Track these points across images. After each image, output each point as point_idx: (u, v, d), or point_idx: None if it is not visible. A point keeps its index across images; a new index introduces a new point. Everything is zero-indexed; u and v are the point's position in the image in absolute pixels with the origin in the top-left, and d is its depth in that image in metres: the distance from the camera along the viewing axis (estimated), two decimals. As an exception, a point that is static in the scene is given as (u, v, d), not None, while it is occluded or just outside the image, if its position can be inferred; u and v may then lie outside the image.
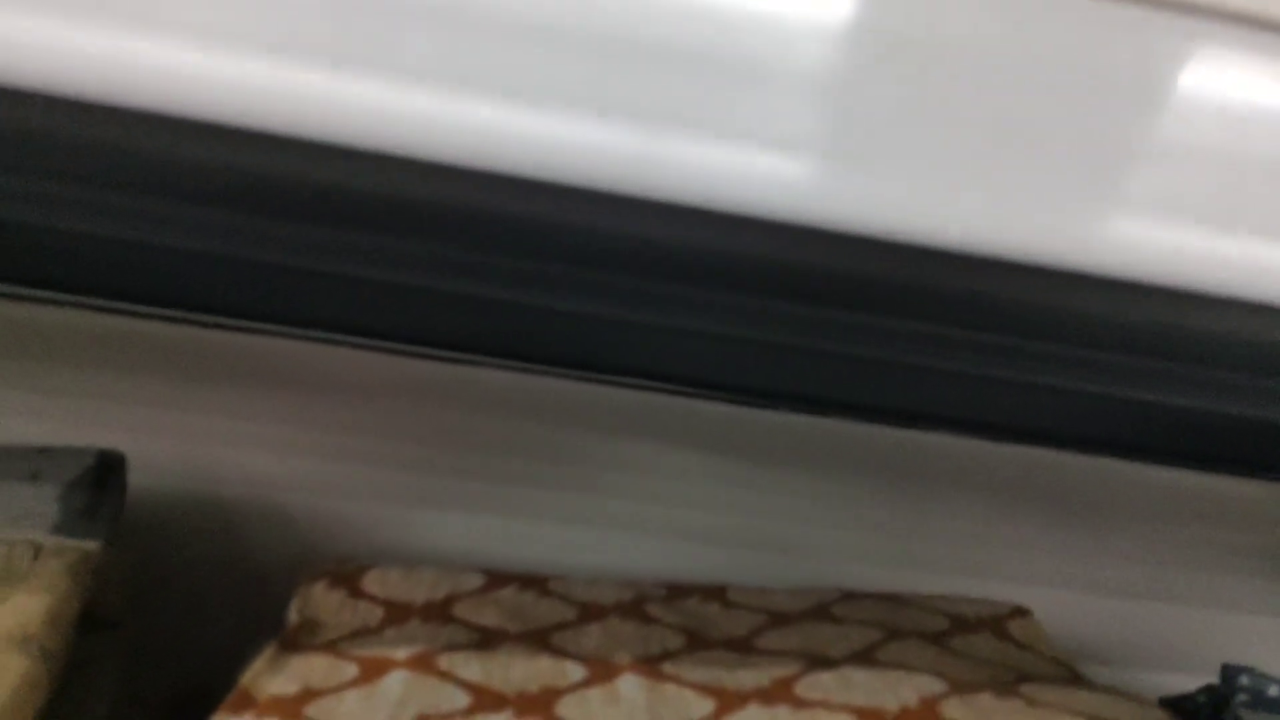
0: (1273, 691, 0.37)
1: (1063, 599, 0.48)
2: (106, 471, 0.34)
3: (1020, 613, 0.36)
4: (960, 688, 0.28)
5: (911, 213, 0.21)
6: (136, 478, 0.36)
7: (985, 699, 0.28)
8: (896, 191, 0.20)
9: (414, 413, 0.43)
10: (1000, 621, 0.36)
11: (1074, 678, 0.32)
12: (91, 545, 0.29)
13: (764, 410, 0.45)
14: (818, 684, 0.29)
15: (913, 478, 0.46)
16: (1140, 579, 0.48)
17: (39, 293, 0.41)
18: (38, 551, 0.28)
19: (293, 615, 0.32)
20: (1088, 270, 0.20)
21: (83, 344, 0.41)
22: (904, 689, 0.28)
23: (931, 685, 0.28)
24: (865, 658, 0.31)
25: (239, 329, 0.41)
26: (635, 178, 0.19)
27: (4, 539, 0.28)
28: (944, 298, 0.34)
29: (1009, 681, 0.30)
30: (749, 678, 0.29)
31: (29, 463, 0.33)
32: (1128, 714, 0.28)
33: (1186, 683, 0.39)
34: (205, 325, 0.41)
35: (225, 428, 0.42)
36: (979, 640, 0.34)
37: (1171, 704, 0.38)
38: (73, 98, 0.22)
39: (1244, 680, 0.37)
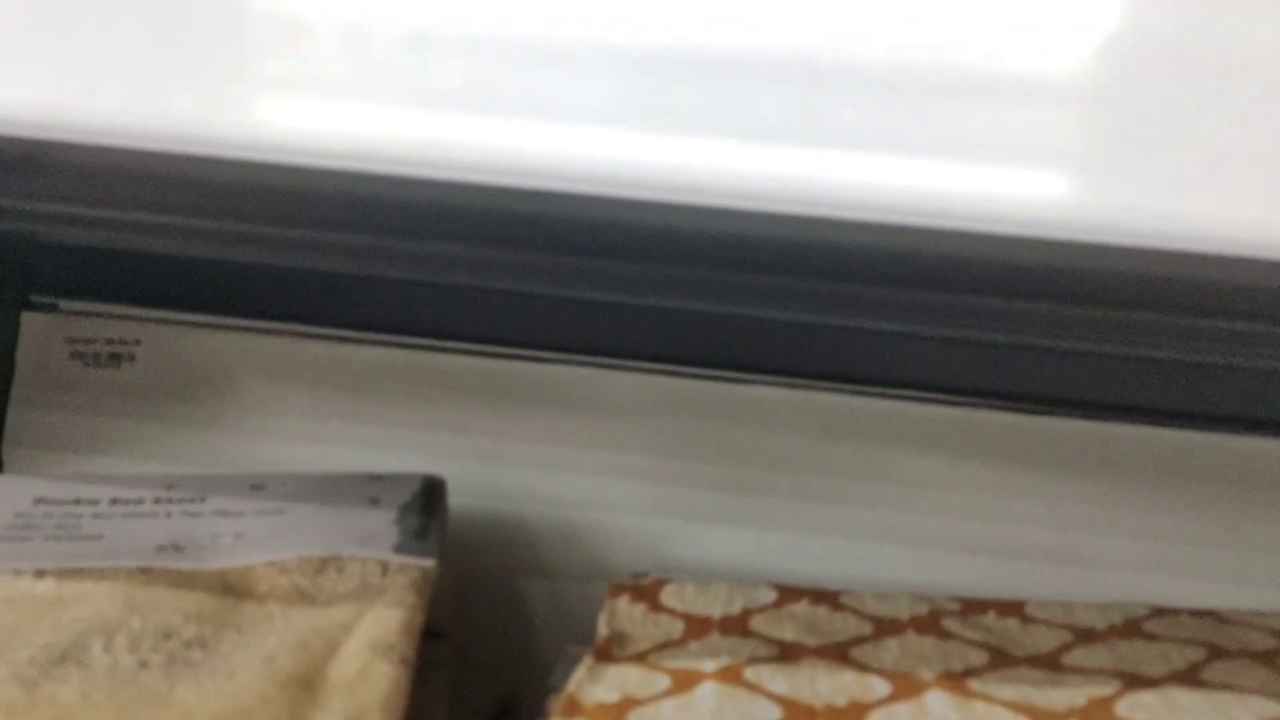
0: None
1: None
2: (432, 495, 0.38)
3: (1363, 630, 0.33)
4: (1305, 713, 0.27)
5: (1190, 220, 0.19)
6: (451, 498, 0.40)
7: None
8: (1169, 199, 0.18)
9: (698, 431, 0.45)
10: (1340, 640, 0.33)
11: None
12: (428, 563, 0.32)
13: (1054, 418, 0.43)
14: (1140, 704, 0.28)
15: (1220, 484, 0.44)
16: None
17: (360, 334, 0.46)
18: (385, 569, 0.32)
19: (602, 628, 0.34)
20: None
21: (398, 379, 0.46)
22: (1238, 711, 0.27)
23: (1268, 708, 0.27)
24: (1189, 678, 0.29)
25: (536, 359, 0.45)
26: (896, 204, 0.19)
27: (358, 558, 0.32)
28: (1238, 292, 0.32)
29: (1358, 706, 0.27)
30: (1062, 696, 0.28)
31: (367, 489, 0.37)
32: None
33: None
34: (505, 357, 0.45)
35: (525, 451, 0.45)
36: (1317, 660, 0.31)
37: None
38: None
39: None
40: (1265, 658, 0.31)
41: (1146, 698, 0.28)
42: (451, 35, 0.17)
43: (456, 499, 0.41)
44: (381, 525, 0.34)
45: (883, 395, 0.44)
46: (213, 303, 0.46)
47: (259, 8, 0.18)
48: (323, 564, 0.32)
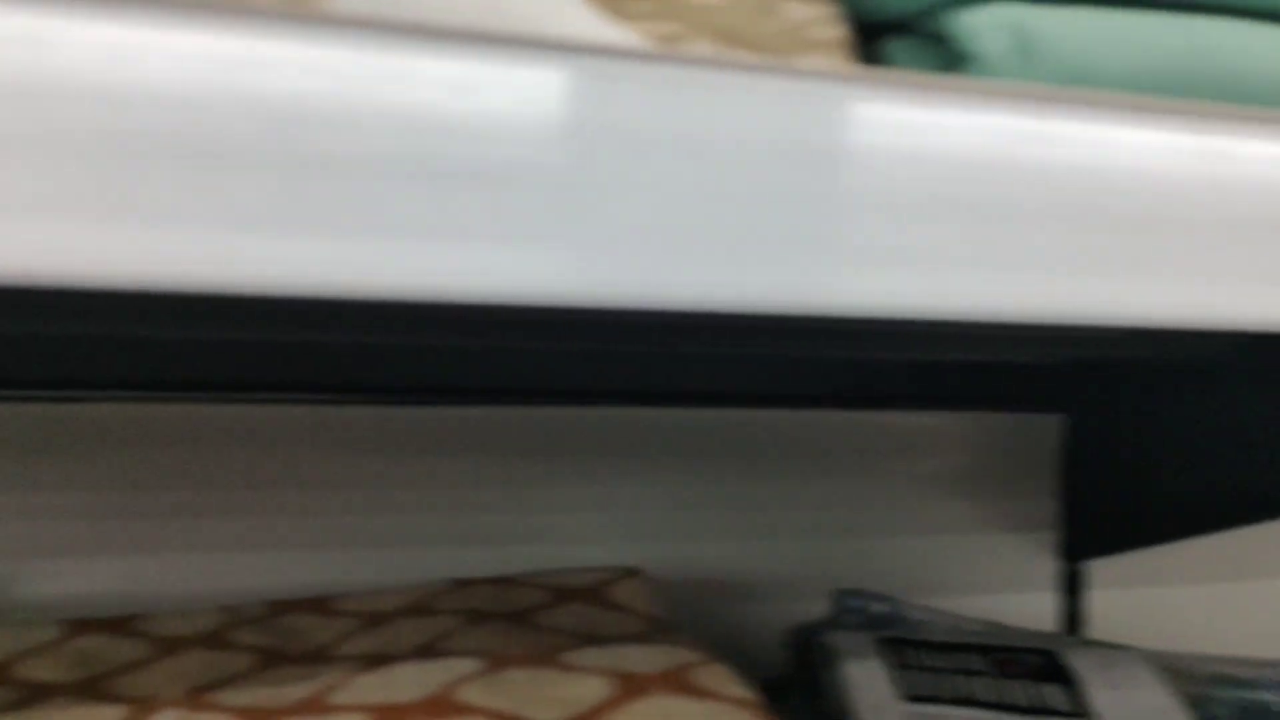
0: (876, 609, 0.38)
1: (714, 549, 0.49)
2: None
3: (629, 574, 0.37)
4: (496, 665, 0.28)
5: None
6: None
7: (514, 674, 0.28)
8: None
9: (44, 461, 0.41)
10: (603, 587, 0.36)
11: (650, 634, 0.32)
12: None
13: (359, 406, 0.44)
14: (357, 687, 0.28)
15: (516, 452, 0.46)
16: (801, 519, 0.49)
17: None
18: None
19: None
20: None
21: None
22: (435, 677, 0.28)
23: (462, 667, 0.28)
24: (429, 650, 0.31)
25: None
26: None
27: None
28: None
29: (568, 648, 0.30)
30: (297, 691, 0.29)
31: None
32: (663, 663, 0.29)
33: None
34: None
35: None
36: (571, 610, 0.34)
37: (794, 632, 0.39)
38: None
39: (853, 603, 0.39)
40: (520, 616, 0.33)
41: (368, 679, 0.29)
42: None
43: None
44: None
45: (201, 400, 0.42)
46: None
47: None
48: None
